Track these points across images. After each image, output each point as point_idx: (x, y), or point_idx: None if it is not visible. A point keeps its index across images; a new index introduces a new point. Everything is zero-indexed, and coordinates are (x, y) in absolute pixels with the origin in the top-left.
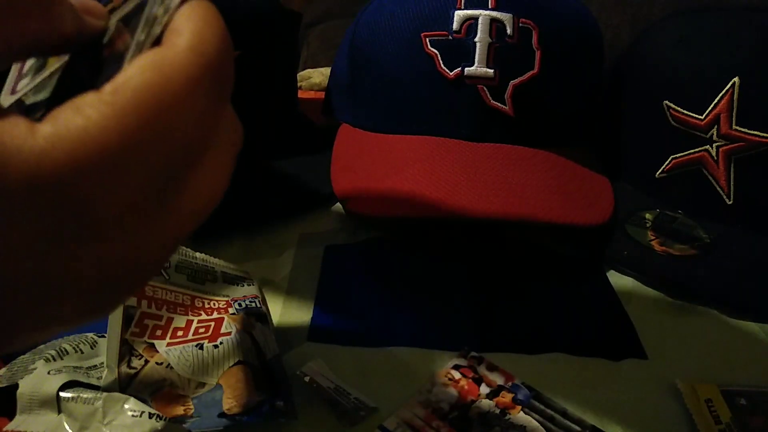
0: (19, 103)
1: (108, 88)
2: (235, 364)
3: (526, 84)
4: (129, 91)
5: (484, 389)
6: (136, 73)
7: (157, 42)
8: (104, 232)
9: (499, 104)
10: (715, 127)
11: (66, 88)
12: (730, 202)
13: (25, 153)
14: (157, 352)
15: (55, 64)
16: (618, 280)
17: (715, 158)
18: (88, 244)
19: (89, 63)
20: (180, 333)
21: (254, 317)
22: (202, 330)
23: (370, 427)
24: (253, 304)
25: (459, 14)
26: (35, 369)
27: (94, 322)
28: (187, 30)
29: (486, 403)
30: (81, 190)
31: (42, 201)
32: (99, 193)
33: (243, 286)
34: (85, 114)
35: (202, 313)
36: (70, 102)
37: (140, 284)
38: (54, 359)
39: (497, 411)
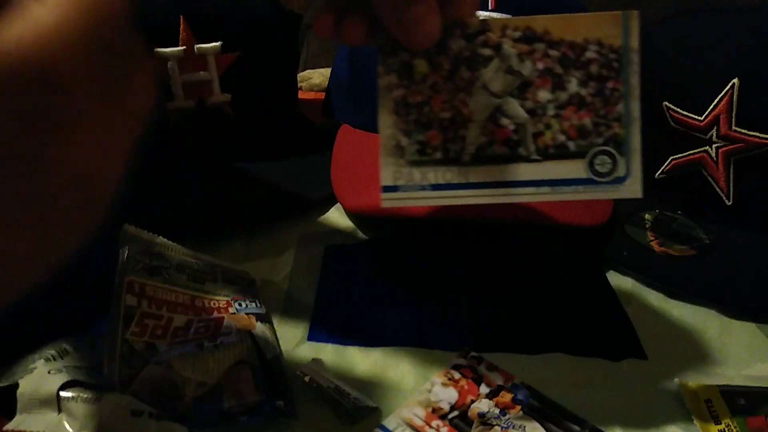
0: None
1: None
2: (235, 364)
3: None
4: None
5: (483, 389)
6: None
7: None
8: (68, 127)
9: None
10: (715, 128)
11: None
12: (730, 203)
13: None
14: (158, 351)
15: None
16: (617, 280)
17: (715, 159)
18: (55, 138)
19: None
20: (180, 333)
21: (254, 317)
22: (202, 330)
23: (370, 427)
24: (254, 304)
25: None
26: (35, 368)
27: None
28: None
29: (486, 403)
30: (47, 77)
31: (13, 94)
32: (65, 78)
33: (243, 286)
34: (33, 10)
35: (203, 312)
36: (15, 8)
37: (99, 198)
38: (54, 359)
39: (497, 411)
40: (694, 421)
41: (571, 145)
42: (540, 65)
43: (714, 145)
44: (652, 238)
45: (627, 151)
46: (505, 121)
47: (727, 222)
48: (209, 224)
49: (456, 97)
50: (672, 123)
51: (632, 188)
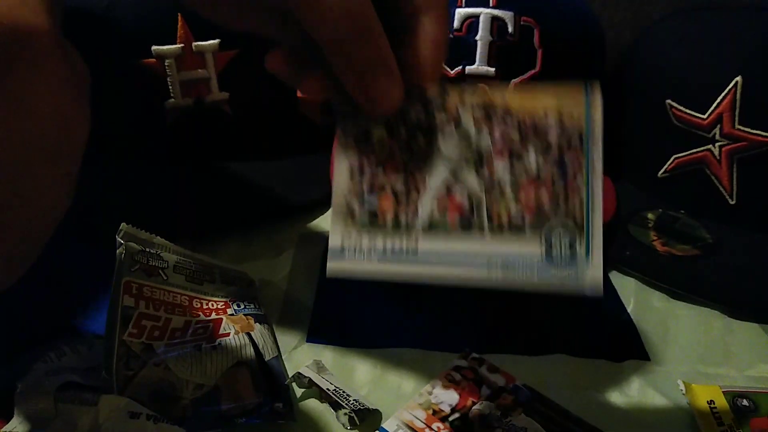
0: None
1: None
2: (233, 366)
3: (527, 83)
4: None
5: (485, 391)
6: None
7: None
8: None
9: None
10: (718, 126)
11: None
12: (733, 202)
13: None
14: (155, 353)
15: None
16: (620, 280)
17: (718, 158)
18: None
19: None
20: (178, 334)
21: (253, 318)
22: (200, 331)
23: (370, 429)
24: (252, 305)
25: (460, 12)
26: (33, 370)
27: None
28: None
29: (487, 405)
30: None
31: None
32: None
33: (242, 286)
34: None
35: (201, 313)
36: None
37: (76, 140)
38: (51, 360)
39: (498, 413)
40: (698, 423)
41: (527, 221)
42: (499, 143)
43: (717, 144)
44: (655, 238)
45: (588, 234)
46: (459, 191)
47: (731, 221)
48: (207, 224)
49: (411, 164)
50: (675, 121)
51: (592, 278)
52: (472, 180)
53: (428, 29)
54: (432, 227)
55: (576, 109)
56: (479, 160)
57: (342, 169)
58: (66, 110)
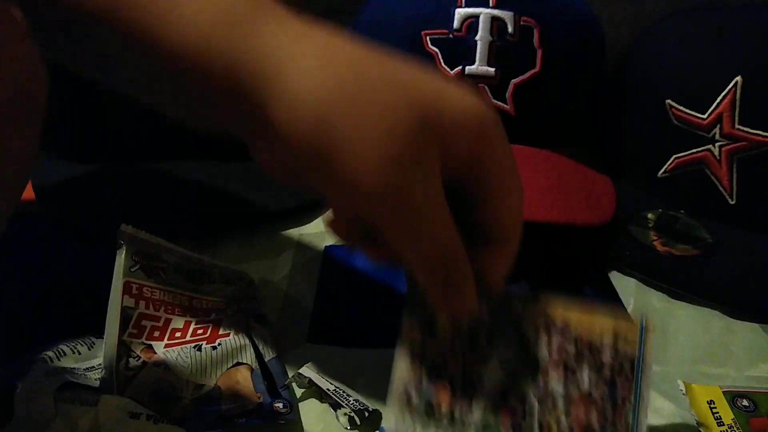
0: None
1: None
2: (233, 366)
3: (527, 83)
4: None
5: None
6: None
7: None
8: None
9: (500, 103)
10: (718, 126)
11: None
12: (733, 202)
13: None
14: (155, 353)
15: None
16: (620, 280)
17: (718, 158)
18: None
19: None
20: (178, 334)
21: (253, 318)
22: (200, 331)
23: (370, 429)
24: (252, 305)
25: (460, 12)
26: (33, 370)
27: None
28: None
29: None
30: None
31: None
32: None
33: (242, 286)
34: None
35: (201, 314)
36: None
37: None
38: (51, 361)
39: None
40: (697, 423)
41: None
42: (555, 355)
43: (717, 144)
44: (655, 238)
45: None
46: (513, 395)
47: (731, 221)
48: (208, 224)
49: (470, 359)
50: (674, 121)
51: None
52: (527, 386)
53: (503, 251)
54: (485, 428)
55: (630, 335)
56: (535, 369)
57: (404, 354)
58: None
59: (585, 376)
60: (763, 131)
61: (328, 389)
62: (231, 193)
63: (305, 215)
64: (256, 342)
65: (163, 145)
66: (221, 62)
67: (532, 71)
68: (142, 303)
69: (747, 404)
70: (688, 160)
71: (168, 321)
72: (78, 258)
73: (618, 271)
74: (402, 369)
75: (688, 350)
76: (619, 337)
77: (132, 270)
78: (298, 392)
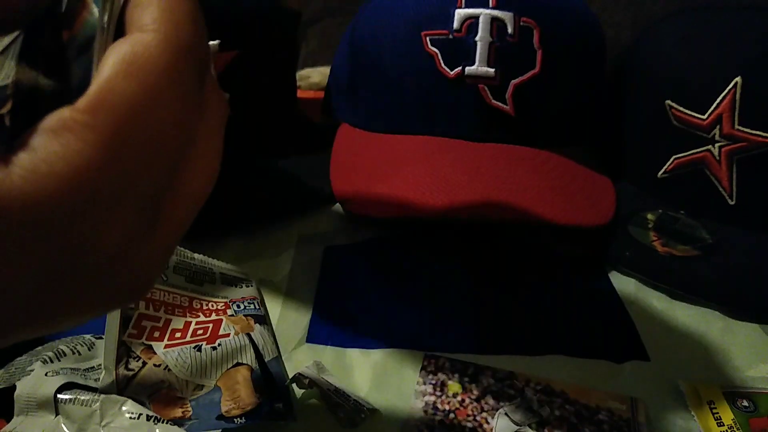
0: None
1: (83, 104)
2: (233, 366)
3: (527, 83)
4: (108, 109)
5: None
6: (112, 83)
7: (120, 20)
8: (101, 268)
9: (500, 104)
10: (718, 127)
11: (26, 74)
12: (733, 203)
13: (1, 194)
14: (155, 353)
15: (4, 40)
16: (620, 281)
17: (718, 158)
18: (83, 282)
19: (48, 42)
20: (178, 335)
21: (253, 319)
22: (200, 332)
23: (370, 429)
24: (252, 306)
25: (459, 13)
26: (33, 371)
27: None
28: (154, 10)
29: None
30: (68, 230)
31: (25, 246)
32: (89, 230)
33: (242, 287)
34: (63, 140)
35: (201, 314)
36: (44, 124)
37: (138, 298)
38: (51, 361)
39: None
40: (697, 423)
41: None
42: (557, 412)
43: (717, 144)
44: (655, 238)
45: None
46: None
47: (731, 222)
48: (207, 224)
49: (480, 414)
50: (674, 122)
51: None
52: None
53: None
54: None
55: (623, 412)
56: (541, 427)
57: (418, 403)
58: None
59: (586, 430)
60: (763, 131)
61: (328, 390)
62: (231, 193)
63: (305, 215)
64: (256, 342)
65: None
66: None
67: (532, 72)
68: (142, 303)
69: (747, 404)
70: (687, 161)
71: (168, 321)
72: None
73: (618, 272)
74: (416, 410)
75: (688, 350)
76: (612, 406)
77: None
78: (298, 393)
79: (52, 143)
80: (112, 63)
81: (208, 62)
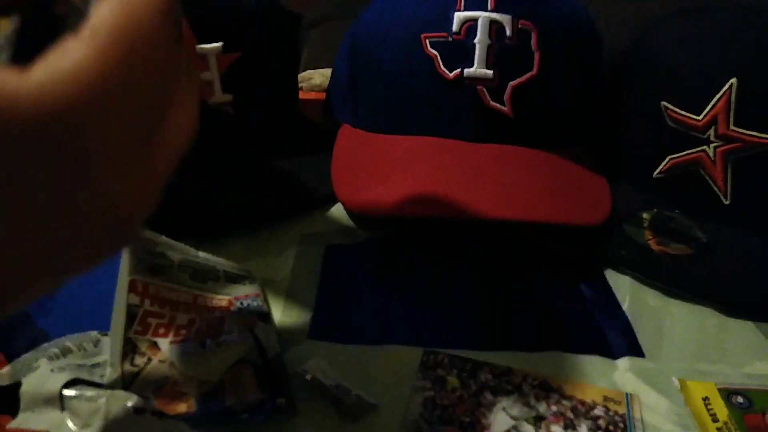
0: None
1: (85, 32)
2: (237, 363)
3: (525, 85)
4: (105, 31)
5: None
6: (107, 14)
7: None
8: (101, 172)
9: (498, 105)
10: (713, 127)
11: (28, 50)
12: (728, 203)
13: (21, 99)
14: (160, 350)
15: (6, 27)
16: (616, 279)
17: (713, 159)
18: (86, 186)
19: (45, 21)
20: (183, 331)
21: (256, 316)
22: (204, 328)
23: (371, 425)
24: (255, 303)
25: (459, 16)
26: (38, 367)
27: (93, 268)
28: None
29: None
30: (77, 130)
31: (41, 145)
32: (94, 132)
33: (245, 284)
34: (70, 56)
35: (205, 311)
36: (53, 48)
37: (133, 226)
38: (57, 357)
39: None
40: (692, 419)
41: None
42: (554, 408)
43: (712, 145)
44: (650, 237)
45: None
46: None
47: (725, 221)
48: (211, 224)
49: (478, 410)
50: (670, 122)
51: None
52: None
53: None
54: None
55: (617, 397)
56: (538, 421)
57: (416, 402)
58: (125, 213)
59: (582, 425)
60: (758, 132)
61: (329, 385)
62: (234, 193)
63: (307, 215)
64: (259, 339)
65: None
66: None
67: (530, 74)
68: (147, 301)
69: (742, 401)
70: (683, 161)
71: (173, 318)
72: None
73: (614, 270)
74: (413, 410)
75: (683, 347)
76: (608, 399)
77: (137, 268)
78: (301, 388)
79: (61, 59)
80: (106, 3)
81: (182, 30)
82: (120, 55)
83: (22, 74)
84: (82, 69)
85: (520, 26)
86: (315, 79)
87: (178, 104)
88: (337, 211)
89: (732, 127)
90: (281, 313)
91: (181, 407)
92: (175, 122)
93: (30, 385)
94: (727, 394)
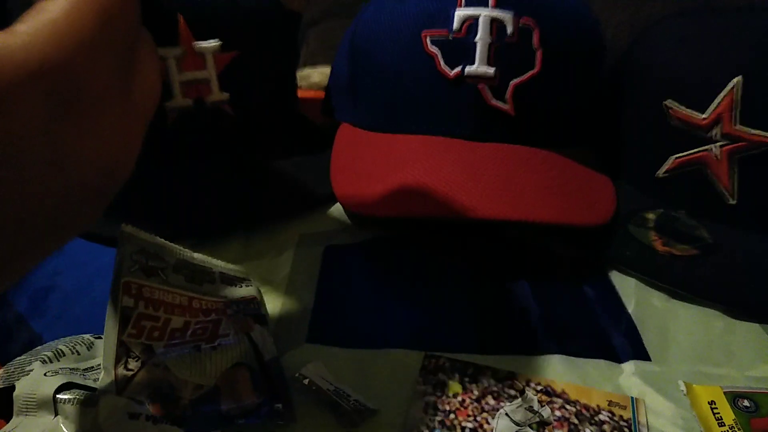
0: None
1: None
2: (233, 366)
3: (526, 83)
4: None
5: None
6: None
7: None
8: (93, 110)
9: (499, 103)
10: (717, 126)
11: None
12: (733, 202)
13: (11, 49)
14: (155, 353)
15: None
16: (620, 280)
17: (718, 158)
18: (82, 125)
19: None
20: (177, 334)
21: (253, 318)
22: (199, 331)
23: (370, 429)
24: (252, 306)
25: (459, 13)
26: (32, 371)
27: (92, 221)
28: None
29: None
30: (67, 72)
31: (39, 87)
32: (82, 72)
33: (241, 287)
34: (48, 10)
35: (200, 314)
36: (30, 9)
37: (122, 172)
38: (50, 361)
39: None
40: (698, 423)
41: None
42: (557, 413)
43: (717, 144)
44: (655, 238)
45: None
46: None
47: (731, 221)
48: (207, 224)
49: (480, 415)
50: (673, 121)
51: None
52: None
53: None
54: None
55: (622, 401)
56: (542, 427)
57: (418, 406)
58: (113, 159)
59: (587, 431)
60: (763, 131)
61: (327, 389)
62: (231, 193)
63: (305, 216)
64: (256, 342)
65: (163, 145)
66: None
67: (532, 72)
68: (141, 303)
69: (748, 405)
70: (687, 160)
71: (167, 321)
72: (77, 257)
73: (618, 271)
74: (414, 414)
75: (689, 350)
76: (612, 403)
77: (132, 270)
78: (298, 393)
79: (40, 14)
80: None
81: (139, 15)
82: (90, 5)
83: (8, 33)
84: (59, 19)
85: (521, 24)
86: (314, 77)
87: (145, 60)
88: (337, 211)
89: (737, 126)
90: (279, 316)
91: (176, 411)
92: (144, 74)
93: (23, 389)
94: (733, 397)
